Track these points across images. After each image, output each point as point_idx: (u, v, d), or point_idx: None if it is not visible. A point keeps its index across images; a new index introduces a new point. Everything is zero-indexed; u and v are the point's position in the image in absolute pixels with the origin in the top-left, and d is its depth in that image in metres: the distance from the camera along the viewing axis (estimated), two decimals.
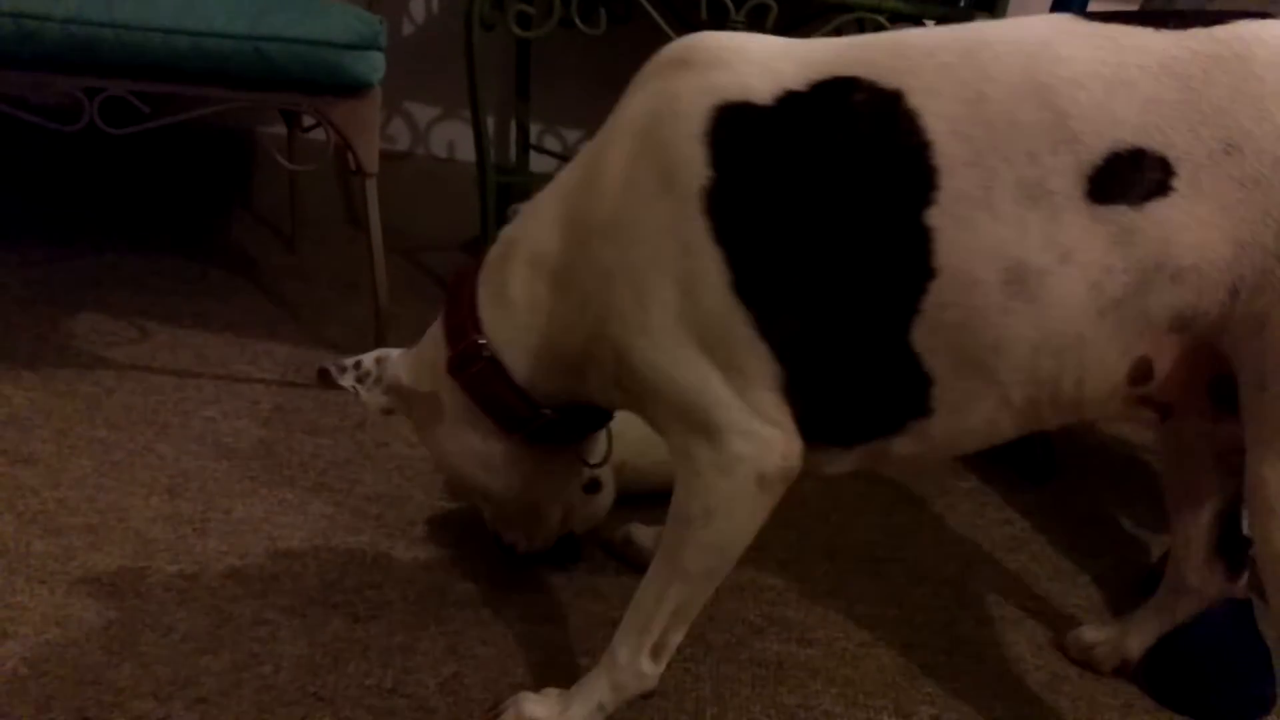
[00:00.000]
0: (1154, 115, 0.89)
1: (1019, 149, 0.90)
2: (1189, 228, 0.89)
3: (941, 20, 2.01)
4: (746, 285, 0.96)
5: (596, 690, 1.10)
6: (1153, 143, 0.89)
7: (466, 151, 2.61)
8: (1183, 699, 1.29)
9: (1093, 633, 1.34)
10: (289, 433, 1.66)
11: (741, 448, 0.99)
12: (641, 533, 1.44)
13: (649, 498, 1.43)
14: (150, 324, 1.95)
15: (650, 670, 1.10)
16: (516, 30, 2.01)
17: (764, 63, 0.98)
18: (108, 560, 1.32)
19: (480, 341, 1.13)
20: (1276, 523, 0.94)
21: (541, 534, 1.34)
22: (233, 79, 1.64)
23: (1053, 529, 1.68)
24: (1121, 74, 0.90)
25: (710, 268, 0.96)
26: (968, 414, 1.00)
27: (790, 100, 0.95)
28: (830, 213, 0.94)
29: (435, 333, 1.20)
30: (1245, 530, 1.34)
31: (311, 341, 1.98)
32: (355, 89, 1.69)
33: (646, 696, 1.17)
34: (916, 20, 2.02)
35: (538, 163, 2.54)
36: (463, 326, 1.14)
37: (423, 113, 2.83)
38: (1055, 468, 1.86)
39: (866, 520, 1.64)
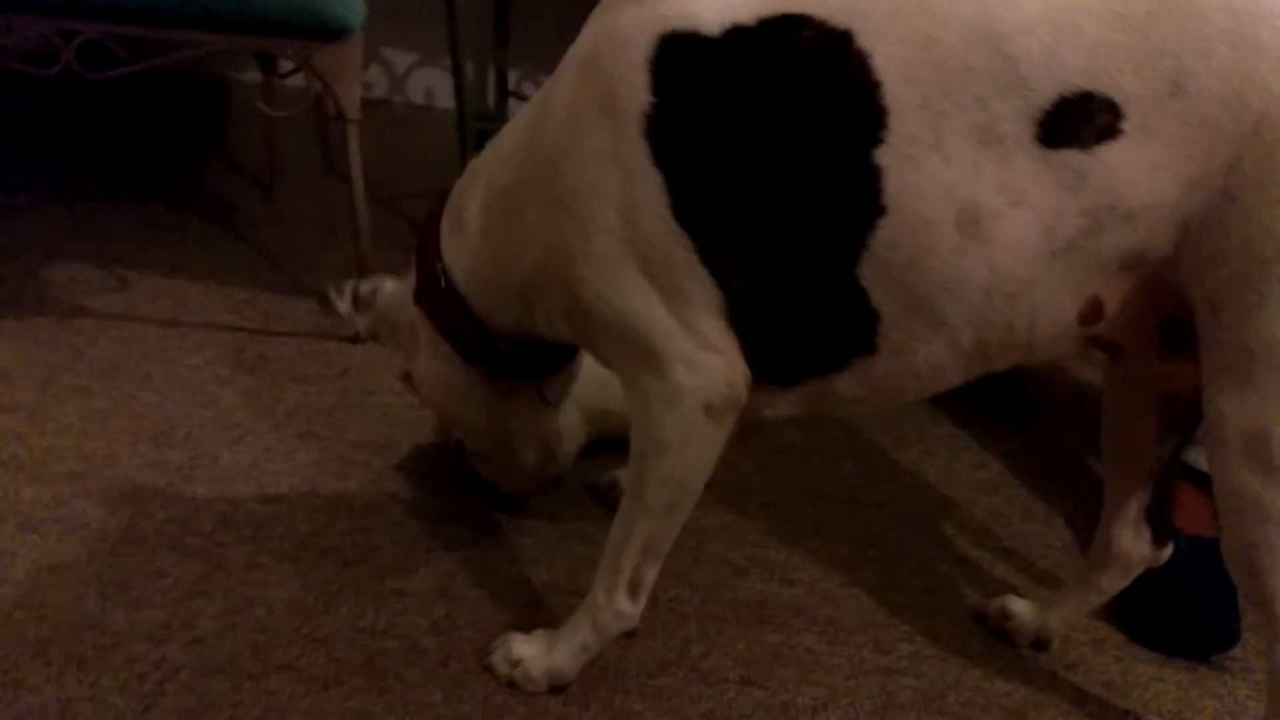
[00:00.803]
0: (1102, 59, 0.90)
1: (969, 93, 0.92)
2: (1139, 169, 0.91)
3: None
4: (686, 210, 0.97)
5: (579, 631, 1.13)
6: (1100, 86, 0.90)
7: (445, 98, 2.60)
8: (1152, 633, 1.34)
9: (1016, 605, 1.31)
10: (274, 381, 1.67)
11: (685, 378, 1.00)
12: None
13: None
14: (130, 273, 1.94)
15: (629, 609, 1.12)
16: None
17: None
18: (97, 507, 1.33)
19: (439, 269, 1.15)
20: (1232, 456, 0.96)
21: (518, 474, 1.36)
22: (212, 22, 1.62)
23: (1027, 473, 1.71)
24: (1070, 18, 0.91)
25: (650, 191, 0.97)
26: (914, 355, 1.01)
27: (737, 33, 0.96)
28: (773, 146, 0.96)
29: (411, 268, 1.23)
30: (1199, 465, 1.38)
31: (293, 290, 1.97)
32: (336, 33, 1.68)
33: (629, 635, 1.20)
34: None
35: (517, 109, 2.53)
36: (426, 255, 1.17)
37: (400, 59, 2.81)
38: (1030, 413, 1.89)
39: (847, 465, 1.67)
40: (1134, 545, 1.23)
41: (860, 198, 0.95)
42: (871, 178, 0.94)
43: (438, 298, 1.17)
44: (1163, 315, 1.01)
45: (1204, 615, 1.34)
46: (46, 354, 1.65)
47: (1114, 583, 1.26)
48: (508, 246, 1.11)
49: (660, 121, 0.96)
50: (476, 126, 2.19)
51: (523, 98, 2.54)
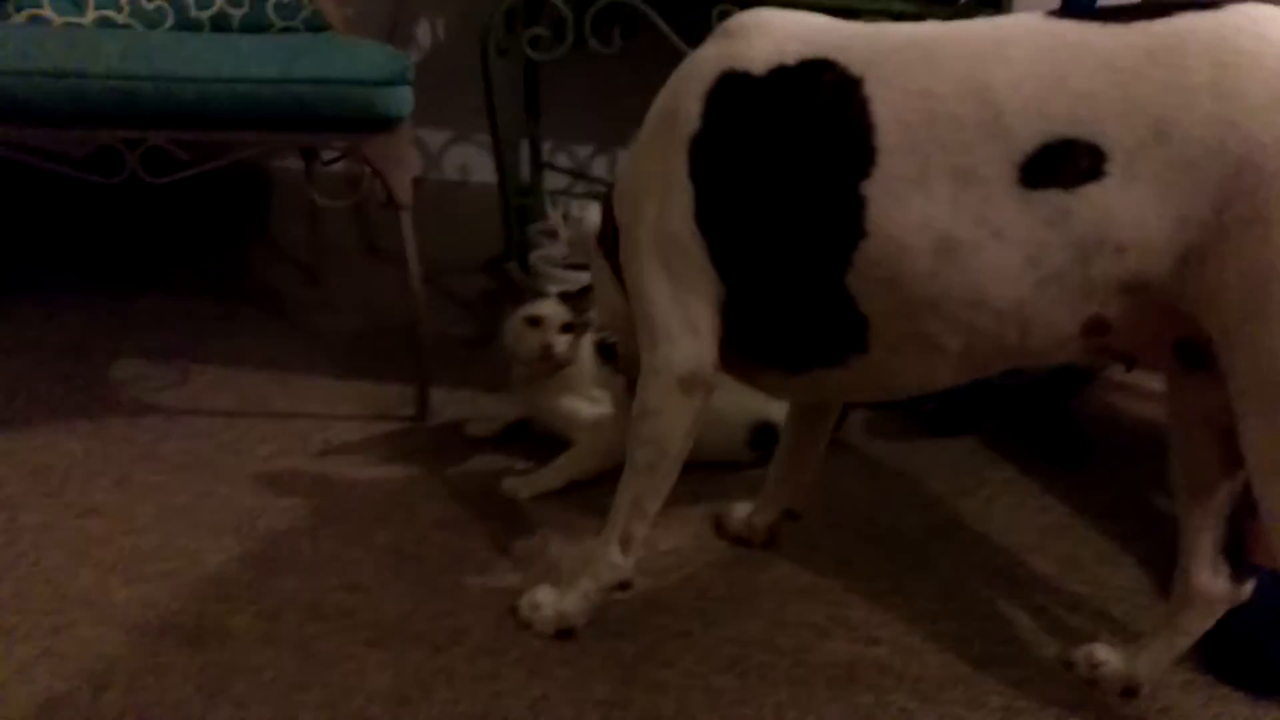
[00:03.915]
0: (1086, 108, 1.00)
1: (956, 140, 1.04)
2: (1126, 206, 0.99)
3: (948, 19, 2.05)
4: (705, 217, 1.18)
5: (583, 582, 1.33)
6: (1084, 133, 1.00)
7: (480, 174, 2.65)
8: (1240, 672, 1.33)
9: (1103, 652, 1.32)
10: (342, 467, 1.69)
11: (667, 353, 1.22)
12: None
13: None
14: (190, 365, 1.98)
15: (620, 561, 1.31)
16: (530, 53, 2.04)
17: (779, 40, 1.16)
18: (189, 605, 1.35)
19: (613, 224, 1.34)
20: (1269, 483, 1.00)
21: None
22: (269, 122, 1.67)
23: (1092, 514, 1.72)
24: (1059, 70, 1.01)
25: (681, 198, 1.18)
26: (905, 355, 1.15)
27: (778, 73, 1.14)
28: (782, 169, 1.13)
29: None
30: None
31: (349, 373, 2.01)
32: (387, 124, 1.73)
33: (624, 588, 1.34)
34: (921, 20, 2.06)
35: (550, 180, 2.57)
36: (607, 212, 1.37)
37: (434, 137, 2.87)
38: (1089, 453, 1.90)
39: (914, 516, 1.68)
40: (1213, 583, 1.24)
41: (847, 220, 1.10)
42: (858, 205, 1.09)
43: (611, 246, 1.35)
44: (1176, 337, 1.07)
45: None
46: (120, 452, 1.69)
47: (1199, 623, 1.26)
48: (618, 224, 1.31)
49: (701, 143, 1.17)
50: (516, 201, 2.23)
51: (556, 168, 2.59)
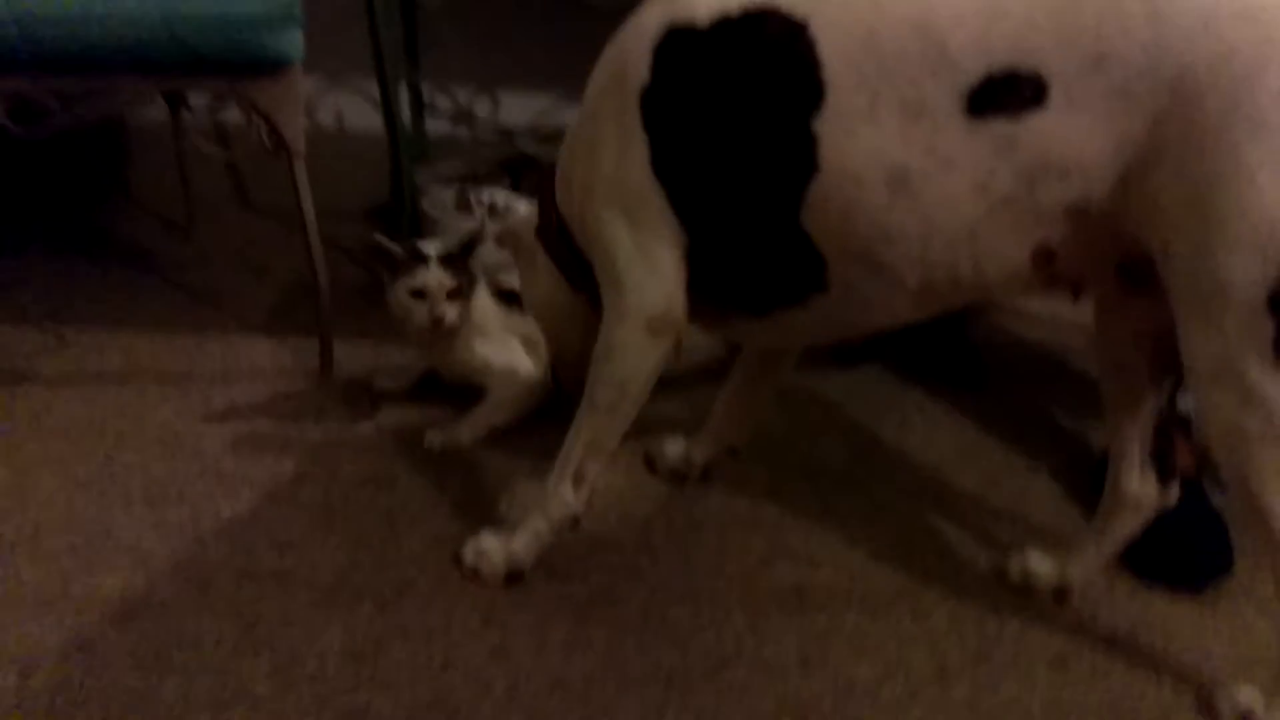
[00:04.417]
0: (1026, 40, 1.04)
1: (902, 74, 1.08)
2: (1068, 132, 1.04)
3: None
4: (661, 165, 1.19)
5: (532, 521, 1.32)
6: (1025, 63, 1.04)
7: (356, 120, 2.54)
8: (1158, 571, 1.41)
9: (1036, 560, 1.38)
10: (252, 426, 1.61)
11: (634, 297, 1.23)
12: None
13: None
14: (64, 330, 1.85)
15: (571, 498, 1.30)
16: None
17: None
18: (107, 578, 1.27)
19: (555, 215, 1.34)
20: (1207, 387, 1.06)
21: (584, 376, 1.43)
22: (146, 66, 1.55)
23: (1000, 432, 1.78)
24: (999, 4, 1.05)
25: (637, 148, 1.20)
26: (864, 292, 1.18)
27: (722, 24, 1.15)
28: (733, 114, 1.15)
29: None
30: (1183, 408, 1.46)
31: (241, 329, 1.91)
32: (275, 67, 1.63)
33: (574, 526, 1.33)
34: None
35: (432, 125, 2.49)
36: (546, 203, 1.36)
37: (306, 83, 2.72)
38: (987, 374, 1.96)
39: (834, 443, 1.71)
40: (1143, 488, 1.30)
41: (800, 158, 1.12)
42: (810, 142, 1.12)
43: (553, 237, 1.35)
44: (1119, 258, 1.13)
45: (1202, 548, 1.42)
46: (4, 424, 1.56)
47: (1128, 527, 1.32)
48: (573, 187, 1.30)
49: (652, 95, 1.19)
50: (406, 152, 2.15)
51: (438, 111, 2.51)
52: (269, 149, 1.73)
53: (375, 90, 2.52)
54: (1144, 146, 1.03)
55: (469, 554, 1.33)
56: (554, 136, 2.44)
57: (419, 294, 1.58)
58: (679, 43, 1.18)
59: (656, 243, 1.22)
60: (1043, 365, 2.05)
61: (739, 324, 1.31)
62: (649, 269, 1.22)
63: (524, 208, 1.42)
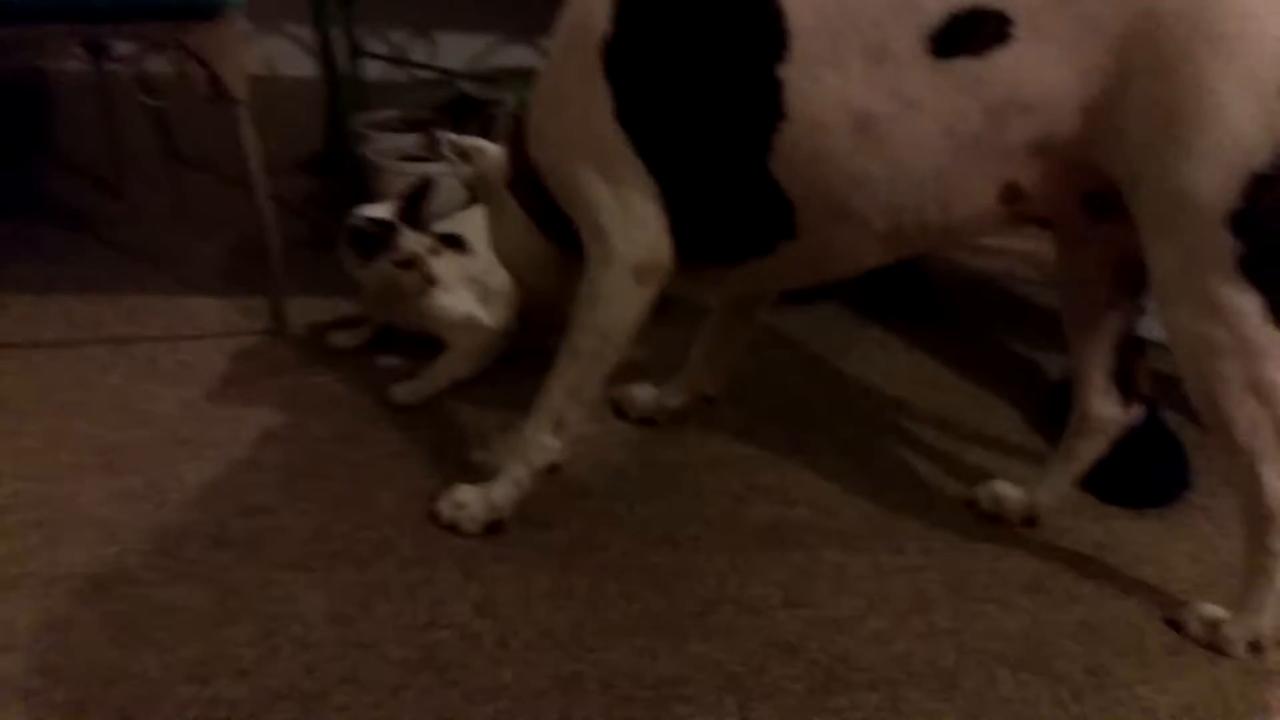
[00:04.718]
0: None
1: (866, 17, 1.08)
2: (1033, 67, 1.05)
3: None
4: (626, 114, 1.18)
5: (511, 469, 1.30)
6: (988, 1, 1.05)
7: (288, 66, 2.46)
8: (1118, 491, 1.44)
9: (1004, 488, 1.41)
10: (206, 389, 1.57)
11: (619, 244, 1.22)
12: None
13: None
14: (2, 295, 1.78)
15: (551, 443, 1.29)
16: None
17: None
18: (73, 552, 1.23)
19: (526, 164, 1.31)
20: (1173, 302, 1.09)
21: (558, 321, 1.40)
22: (78, 12, 1.48)
23: (957, 363, 1.80)
24: None
25: (601, 99, 1.19)
26: (832, 238, 1.19)
27: None
28: (698, 63, 1.15)
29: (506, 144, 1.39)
30: (1143, 333, 1.49)
31: (184, 288, 1.86)
32: (214, 10, 1.56)
33: (553, 470, 1.32)
34: None
35: (368, 69, 2.42)
36: (518, 151, 1.34)
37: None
38: (940, 307, 1.98)
39: (798, 380, 1.72)
40: (1107, 409, 1.33)
41: (766, 105, 1.12)
42: (775, 88, 1.12)
43: (525, 186, 1.33)
44: (1085, 191, 1.14)
45: (1160, 468, 1.46)
46: None
47: (1095, 449, 1.35)
48: (545, 140, 1.29)
49: (613, 46, 1.18)
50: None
51: (376, 56, 2.44)
52: (209, 98, 1.66)
53: (304, 34, 2.45)
54: (1110, 74, 1.04)
55: (445, 508, 1.31)
56: (495, 77, 2.39)
57: (406, 264, 1.57)
58: None
59: (633, 193, 1.21)
60: (993, 296, 2.08)
61: (711, 274, 1.30)
62: (631, 219, 1.21)
63: (494, 151, 1.39)
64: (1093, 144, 1.08)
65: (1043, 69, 1.05)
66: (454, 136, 1.39)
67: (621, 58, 1.18)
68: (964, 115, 1.08)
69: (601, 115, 1.19)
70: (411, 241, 1.58)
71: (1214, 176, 1.01)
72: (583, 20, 1.20)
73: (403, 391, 1.57)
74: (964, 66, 1.06)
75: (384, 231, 1.58)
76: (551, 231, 1.34)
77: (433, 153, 2.13)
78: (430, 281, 1.59)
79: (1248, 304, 1.04)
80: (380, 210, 1.62)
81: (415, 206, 1.62)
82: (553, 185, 1.29)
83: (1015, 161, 1.10)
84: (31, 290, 1.79)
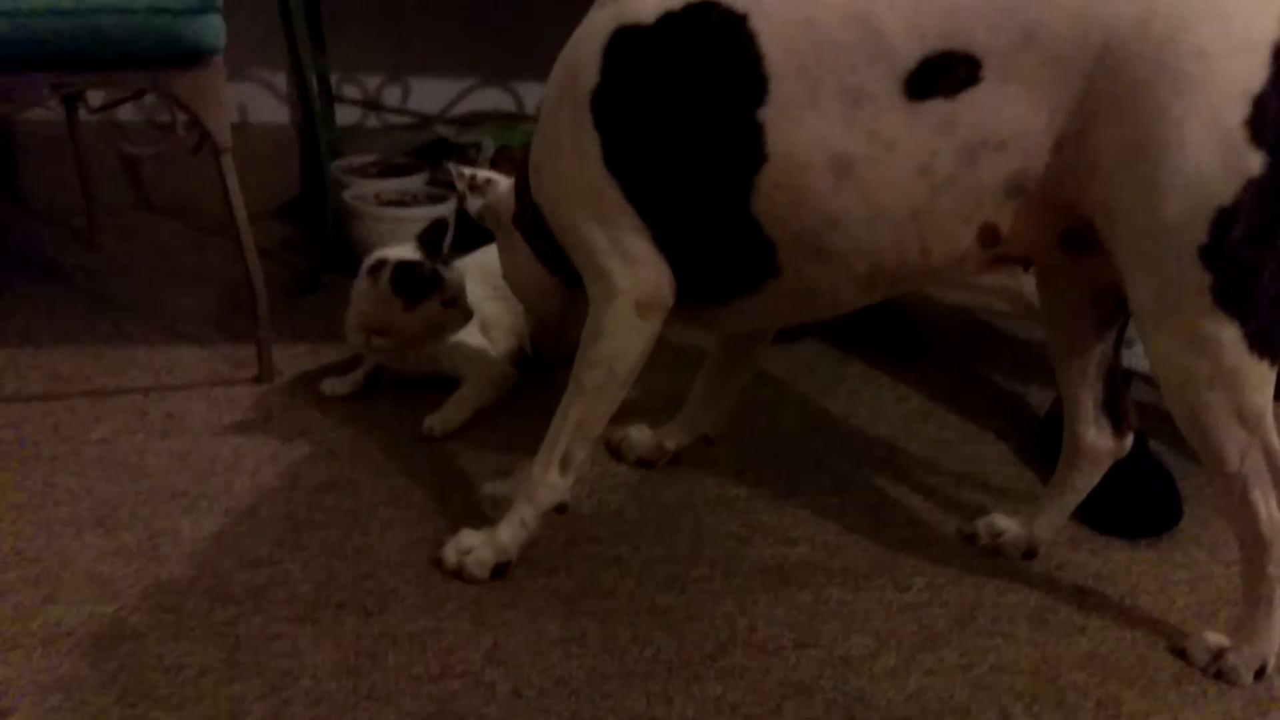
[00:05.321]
0: (958, 22, 1.08)
1: (842, 62, 1.11)
2: (1002, 107, 1.09)
3: None
4: (613, 161, 1.21)
5: (518, 510, 1.30)
6: (958, 45, 1.08)
7: (260, 113, 2.45)
8: (1114, 522, 1.46)
9: (1002, 521, 1.42)
10: (196, 439, 1.55)
11: (621, 282, 1.24)
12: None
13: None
14: None
15: (559, 482, 1.29)
16: None
17: None
18: (72, 610, 1.20)
19: (529, 203, 1.34)
20: (1155, 334, 1.11)
21: (569, 347, 1.42)
22: (61, 61, 1.47)
23: (943, 397, 1.83)
24: None
25: (590, 147, 1.22)
26: (814, 278, 1.22)
27: (667, 19, 1.17)
28: (680, 108, 1.18)
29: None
30: (1125, 363, 1.52)
31: (166, 338, 1.84)
32: (197, 57, 1.56)
33: (560, 510, 1.32)
34: None
35: (341, 114, 2.41)
36: (522, 191, 1.36)
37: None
38: (921, 342, 2.01)
39: (789, 419, 1.73)
40: (1099, 439, 1.35)
41: (747, 148, 1.15)
42: (756, 132, 1.15)
43: (529, 225, 1.35)
44: (1061, 229, 1.17)
45: (1152, 497, 1.48)
46: None
47: (1089, 479, 1.37)
48: (542, 183, 1.31)
49: (601, 95, 1.21)
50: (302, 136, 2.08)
51: (346, 100, 2.44)
52: (192, 146, 1.65)
53: (274, 80, 2.45)
54: (1077, 112, 1.07)
55: (450, 554, 1.30)
56: (471, 121, 2.40)
57: (451, 301, 1.62)
58: (626, 41, 1.19)
59: (629, 235, 1.23)
60: (970, 331, 2.11)
61: (703, 314, 1.32)
62: (629, 260, 1.24)
63: (504, 183, 1.41)
64: (1065, 181, 1.11)
65: (1012, 108, 1.08)
66: (467, 169, 1.41)
67: (609, 107, 1.20)
68: (939, 156, 1.11)
69: (592, 162, 1.22)
70: (455, 281, 1.63)
71: (1181, 212, 1.04)
72: (574, 72, 1.23)
73: (437, 423, 1.59)
74: (938, 108, 1.09)
75: (431, 273, 1.61)
76: (553, 267, 1.36)
77: (414, 197, 2.14)
78: (469, 316, 1.64)
79: (1226, 334, 1.07)
80: (404, 253, 1.64)
81: (437, 246, 1.65)
82: (553, 227, 1.31)
83: (991, 202, 1.13)
84: (8, 344, 1.76)
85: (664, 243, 1.24)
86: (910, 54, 1.09)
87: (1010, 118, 1.08)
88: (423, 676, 1.14)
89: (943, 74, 1.09)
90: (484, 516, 1.39)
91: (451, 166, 1.42)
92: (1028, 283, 2.20)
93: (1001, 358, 1.99)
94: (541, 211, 1.32)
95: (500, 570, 1.29)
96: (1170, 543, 1.46)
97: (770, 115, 1.14)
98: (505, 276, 1.47)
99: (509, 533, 1.29)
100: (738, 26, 1.14)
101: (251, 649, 1.16)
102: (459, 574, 1.29)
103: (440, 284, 1.61)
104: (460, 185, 1.41)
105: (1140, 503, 1.47)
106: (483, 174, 1.42)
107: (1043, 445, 1.65)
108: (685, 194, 1.21)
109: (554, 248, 1.34)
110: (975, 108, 1.09)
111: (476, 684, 1.14)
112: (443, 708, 1.10)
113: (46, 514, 1.36)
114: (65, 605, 1.21)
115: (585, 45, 1.22)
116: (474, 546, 1.29)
